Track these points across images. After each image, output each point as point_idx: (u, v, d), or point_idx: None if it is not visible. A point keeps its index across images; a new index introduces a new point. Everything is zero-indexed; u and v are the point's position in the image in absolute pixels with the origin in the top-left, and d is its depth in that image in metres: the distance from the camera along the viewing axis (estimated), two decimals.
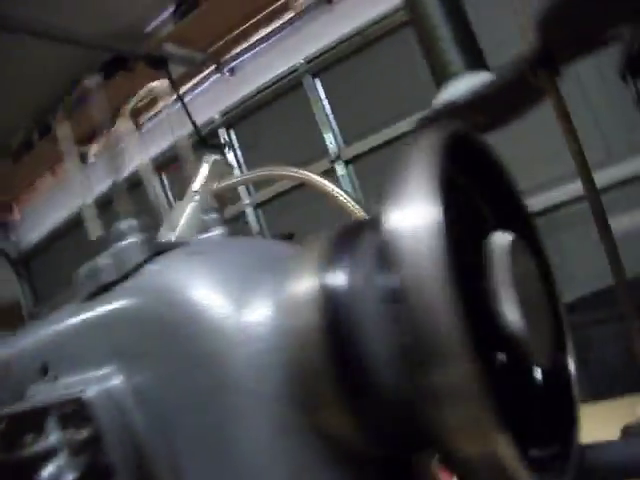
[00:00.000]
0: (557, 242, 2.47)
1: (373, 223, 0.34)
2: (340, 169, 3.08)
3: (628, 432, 0.80)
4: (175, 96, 2.93)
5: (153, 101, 3.52)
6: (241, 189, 3.26)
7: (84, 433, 0.39)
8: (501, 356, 0.34)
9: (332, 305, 0.31)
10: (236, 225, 3.23)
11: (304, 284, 0.32)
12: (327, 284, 0.31)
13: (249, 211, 3.35)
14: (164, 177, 3.67)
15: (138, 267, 0.40)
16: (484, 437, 0.26)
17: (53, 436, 0.41)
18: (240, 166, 3.33)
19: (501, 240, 0.30)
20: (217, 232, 0.46)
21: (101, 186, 3.45)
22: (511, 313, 0.28)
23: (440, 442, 0.27)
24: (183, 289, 0.36)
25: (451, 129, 0.31)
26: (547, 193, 2.48)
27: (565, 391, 0.36)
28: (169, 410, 0.36)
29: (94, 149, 3.81)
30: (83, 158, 3.82)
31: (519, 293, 0.29)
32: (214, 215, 0.48)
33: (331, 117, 3.10)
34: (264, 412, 0.32)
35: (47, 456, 0.40)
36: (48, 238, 4.40)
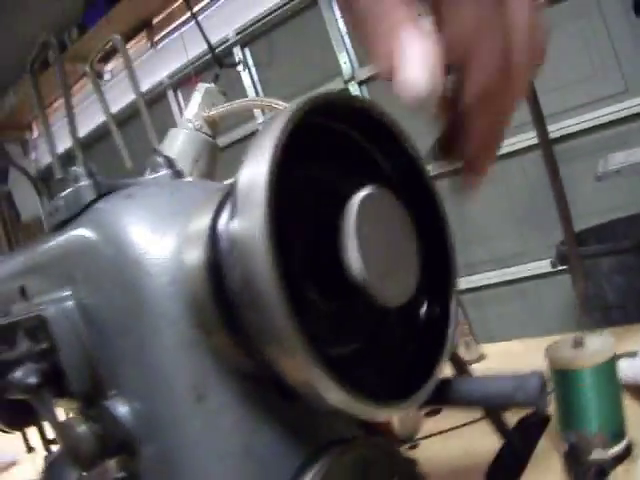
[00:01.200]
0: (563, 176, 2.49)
1: None
2: (354, 90, 3.08)
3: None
4: (189, 14, 2.91)
5: (168, 19, 3.52)
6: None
7: (44, 345, 0.47)
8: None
9: (212, 245, 0.37)
10: None
11: (199, 225, 0.39)
12: (212, 226, 0.38)
13: None
14: (179, 94, 3.70)
15: (87, 206, 0.47)
16: (300, 370, 0.33)
17: (21, 346, 0.49)
18: (255, 84, 3.35)
19: (354, 199, 0.36)
20: (163, 173, 0.53)
21: (117, 105, 3.48)
22: (353, 260, 0.34)
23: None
24: (117, 227, 0.43)
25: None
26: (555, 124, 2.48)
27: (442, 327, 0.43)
28: (108, 327, 0.44)
29: (110, 67, 3.83)
30: (99, 76, 3.85)
31: (372, 242, 0.35)
32: (161, 158, 0.54)
33: (346, 37, 3.07)
34: (172, 331, 0.40)
35: (17, 362, 0.48)
36: (65, 156, 4.48)
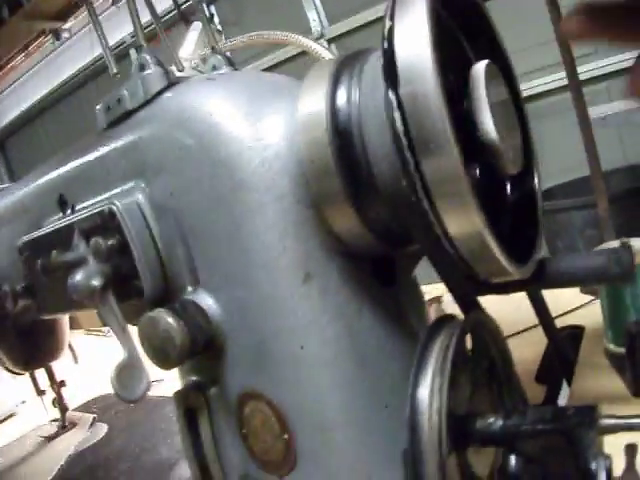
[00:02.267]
0: (538, 131, 2.51)
1: (369, 50, 0.39)
2: None
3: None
4: None
5: None
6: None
7: (111, 242, 0.44)
8: (475, 171, 0.40)
9: (338, 115, 0.36)
10: None
11: (315, 101, 0.37)
12: (334, 97, 0.36)
13: None
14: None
15: (157, 94, 0.44)
16: (470, 221, 0.32)
17: (80, 247, 0.46)
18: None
19: (479, 66, 0.35)
20: (226, 70, 0.50)
21: (75, 65, 3.36)
22: (486, 123, 0.33)
23: (430, 229, 0.33)
24: (199, 108, 0.40)
25: None
26: (531, 82, 2.50)
27: (531, 205, 0.42)
28: (186, 218, 0.41)
29: (68, 25, 3.69)
30: (57, 36, 3.71)
31: (494, 110, 0.34)
32: (219, 56, 0.52)
33: None
34: (276, 207, 0.37)
35: (76, 264, 0.45)
36: (22, 118, 4.34)
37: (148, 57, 0.45)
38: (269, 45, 2.81)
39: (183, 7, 2.99)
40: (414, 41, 0.31)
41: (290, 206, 0.37)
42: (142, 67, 0.45)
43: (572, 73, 1.21)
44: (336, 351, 0.38)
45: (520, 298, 0.52)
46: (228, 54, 0.56)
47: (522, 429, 0.35)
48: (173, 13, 3.02)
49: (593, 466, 0.33)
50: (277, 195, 0.37)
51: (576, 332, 0.75)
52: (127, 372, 0.44)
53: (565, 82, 1.69)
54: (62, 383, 0.91)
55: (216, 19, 3.30)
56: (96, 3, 3.37)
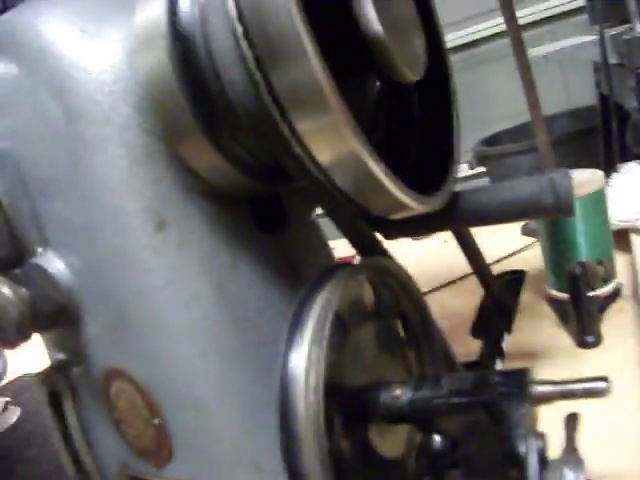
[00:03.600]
0: (482, 77, 2.46)
1: None
2: None
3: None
4: None
5: None
6: None
7: None
8: (376, 82, 0.33)
9: (180, 27, 0.28)
10: None
11: (152, 9, 0.29)
12: (174, 6, 0.28)
13: None
14: None
15: None
16: (340, 138, 0.24)
17: None
18: None
19: None
20: None
21: None
22: (367, 12, 0.26)
23: (298, 156, 0.26)
24: (28, 29, 0.32)
25: None
26: (469, 28, 2.44)
27: (445, 124, 0.35)
28: (26, 164, 0.34)
29: None
30: None
31: (384, 6, 0.27)
32: None
33: None
34: (119, 141, 0.30)
35: None
36: None
37: None
38: None
39: None
40: None
41: (135, 138, 0.30)
42: None
43: (511, 16, 1.15)
44: (203, 313, 0.31)
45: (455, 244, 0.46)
46: None
47: (434, 403, 0.29)
48: None
49: (522, 449, 0.26)
50: (119, 126, 0.30)
51: (516, 277, 0.69)
52: None
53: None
54: None
55: None
56: None
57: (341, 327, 0.28)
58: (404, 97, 0.34)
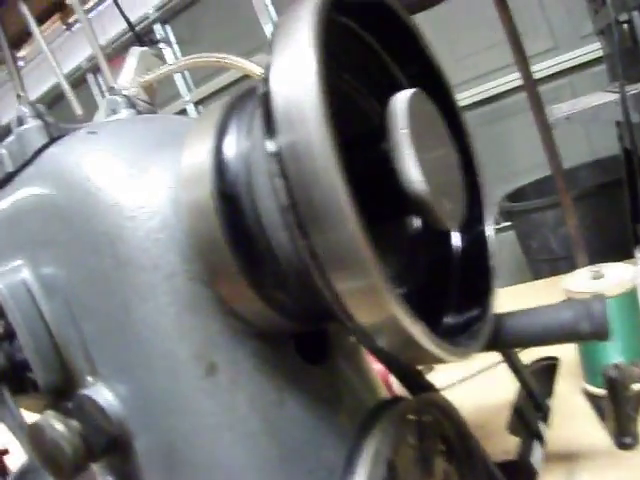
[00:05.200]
0: (505, 131, 2.47)
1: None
2: None
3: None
4: None
5: None
6: (180, 86, 3.17)
7: None
8: (416, 222, 0.34)
9: (225, 174, 0.29)
10: None
11: (198, 155, 0.30)
12: (220, 153, 0.30)
13: (190, 108, 3.25)
14: (100, 78, 3.52)
15: (38, 152, 0.38)
16: (377, 303, 0.25)
17: None
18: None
19: (401, 97, 0.28)
20: (125, 114, 0.44)
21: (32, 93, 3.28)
22: (411, 171, 0.27)
23: (336, 312, 0.26)
24: (76, 172, 0.34)
25: None
26: (489, 83, 2.46)
27: (482, 259, 0.36)
28: (75, 297, 0.35)
29: (22, 54, 3.59)
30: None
31: (424, 152, 0.28)
32: (120, 97, 0.45)
33: (271, 8, 2.96)
34: (168, 288, 0.31)
35: None
36: None
37: (26, 109, 0.39)
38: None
39: (138, 29, 2.91)
40: (294, 77, 0.24)
41: (183, 285, 0.31)
42: (20, 121, 0.39)
43: (526, 72, 1.16)
44: (255, 451, 0.32)
45: None
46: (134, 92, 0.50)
47: None
48: (128, 35, 2.95)
49: None
50: (167, 273, 0.31)
51: (549, 364, 0.69)
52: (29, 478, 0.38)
53: None
54: (5, 452, 0.84)
55: (172, 38, 3.23)
56: (47, 31, 3.28)
57: (389, 471, 0.29)
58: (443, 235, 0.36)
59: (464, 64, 2.28)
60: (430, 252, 0.34)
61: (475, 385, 0.72)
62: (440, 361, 0.28)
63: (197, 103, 3.25)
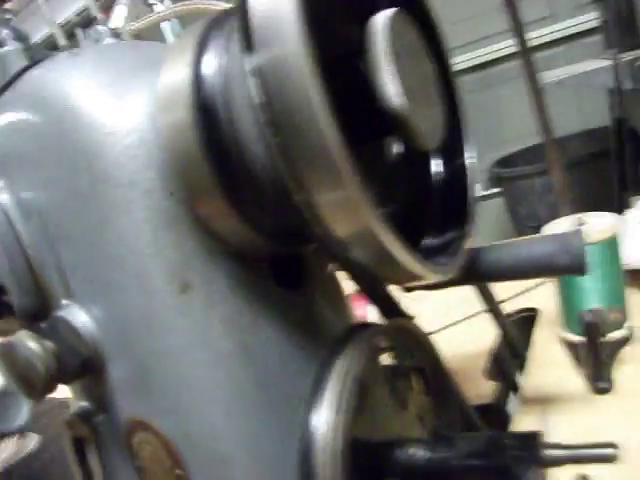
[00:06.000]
0: (496, 97, 2.46)
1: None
2: None
3: None
4: None
5: None
6: (169, 38, 3.13)
7: None
8: (397, 148, 0.34)
9: (203, 93, 0.29)
10: None
11: (177, 74, 0.30)
12: (198, 73, 0.29)
13: None
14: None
15: (18, 75, 0.37)
16: (355, 213, 0.25)
17: None
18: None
19: (382, 15, 0.28)
20: (107, 41, 0.43)
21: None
22: (389, 85, 0.27)
23: (313, 224, 0.26)
24: (57, 89, 0.33)
25: None
26: (483, 49, 2.45)
27: (462, 188, 0.36)
28: (52, 217, 0.35)
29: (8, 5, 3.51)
30: None
31: (404, 71, 0.27)
32: (103, 28, 0.44)
33: None
34: (144, 204, 0.31)
35: None
36: None
37: (7, 31, 0.38)
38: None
39: None
40: None
41: (160, 202, 0.31)
42: (0, 44, 0.38)
43: (521, 39, 1.16)
44: (228, 372, 0.32)
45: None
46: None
47: (449, 464, 0.30)
48: None
49: None
50: (144, 189, 0.31)
51: (529, 315, 0.70)
52: (3, 401, 0.38)
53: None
54: None
55: None
56: None
57: (360, 391, 0.29)
58: (424, 157, 0.35)
59: (458, 28, 2.26)
60: (411, 178, 0.34)
61: (455, 334, 0.73)
62: (418, 279, 0.28)
63: None
